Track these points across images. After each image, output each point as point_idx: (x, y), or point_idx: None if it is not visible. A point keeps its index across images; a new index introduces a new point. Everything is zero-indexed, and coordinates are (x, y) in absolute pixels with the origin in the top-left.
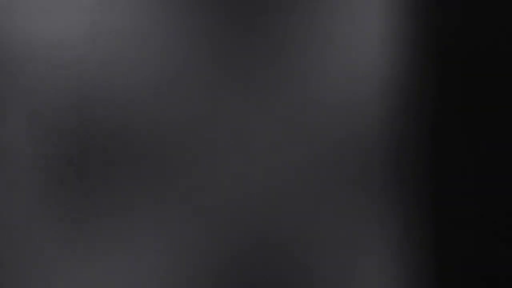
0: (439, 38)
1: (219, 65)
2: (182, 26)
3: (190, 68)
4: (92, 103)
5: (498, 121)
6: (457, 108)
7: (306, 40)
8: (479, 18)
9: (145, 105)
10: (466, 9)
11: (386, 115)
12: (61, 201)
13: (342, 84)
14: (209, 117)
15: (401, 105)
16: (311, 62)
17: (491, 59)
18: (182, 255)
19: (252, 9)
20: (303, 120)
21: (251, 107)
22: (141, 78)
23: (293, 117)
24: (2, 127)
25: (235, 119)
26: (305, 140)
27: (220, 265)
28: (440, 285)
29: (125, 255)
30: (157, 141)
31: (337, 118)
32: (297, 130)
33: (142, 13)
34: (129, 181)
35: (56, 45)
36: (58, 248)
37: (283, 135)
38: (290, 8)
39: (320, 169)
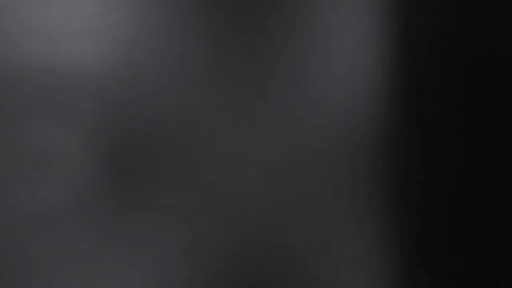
0: (439, 38)
1: (218, 66)
2: (181, 27)
3: (190, 68)
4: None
5: (497, 121)
6: (457, 108)
7: (305, 40)
8: (478, 18)
9: (145, 106)
10: (465, 8)
11: (385, 115)
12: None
13: (341, 85)
14: (209, 118)
15: (401, 105)
16: (310, 63)
17: (491, 59)
18: (182, 256)
19: (251, 10)
20: (303, 121)
21: (251, 109)
22: (142, 80)
23: (293, 118)
24: (42, 132)
25: (235, 120)
26: (305, 140)
27: (219, 265)
28: (440, 284)
29: (125, 256)
30: (157, 142)
31: (337, 118)
32: (297, 130)
33: (143, 14)
34: (130, 182)
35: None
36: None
37: (283, 136)
38: (292, 8)
39: (320, 169)
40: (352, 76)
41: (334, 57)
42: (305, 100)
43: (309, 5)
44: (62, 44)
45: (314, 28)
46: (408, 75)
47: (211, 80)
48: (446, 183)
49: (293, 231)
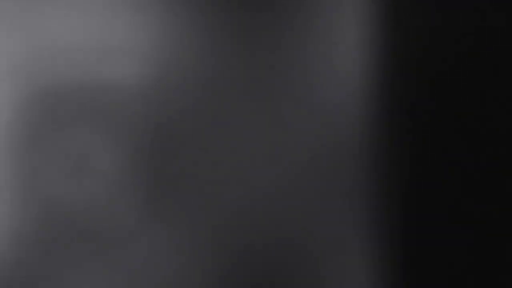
0: (438, 39)
1: (218, 68)
2: (183, 29)
3: (190, 70)
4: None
5: (495, 121)
6: (454, 109)
7: (304, 43)
8: (475, 18)
9: (146, 107)
10: (463, 8)
11: (383, 116)
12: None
13: (340, 87)
14: (209, 120)
15: (393, 107)
16: (310, 66)
17: (489, 59)
18: (183, 257)
19: (248, 12)
20: (302, 122)
21: (250, 111)
22: (168, 93)
23: (291, 119)
24: (84, 138)
25: (234, 122)
26: (305, 142)
27: (219, 265)
28: (439, 284)
29: (127, 256)
30: (160, 143)
31: (335, 119)
32: (296, 132)
33: (148, 16)
34: (155, 180)
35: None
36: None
37: (282, 137)
38: (291, 12)
39: (318, 170)
40: (350, 78)
41: (333, 60)
42: (305, 102)
43: (308, 9)
44: (100, 64)
45: (313, 31)
46: (407, 77)
47: (209, 82)
48: (445, 183)
49: (293, 232)
